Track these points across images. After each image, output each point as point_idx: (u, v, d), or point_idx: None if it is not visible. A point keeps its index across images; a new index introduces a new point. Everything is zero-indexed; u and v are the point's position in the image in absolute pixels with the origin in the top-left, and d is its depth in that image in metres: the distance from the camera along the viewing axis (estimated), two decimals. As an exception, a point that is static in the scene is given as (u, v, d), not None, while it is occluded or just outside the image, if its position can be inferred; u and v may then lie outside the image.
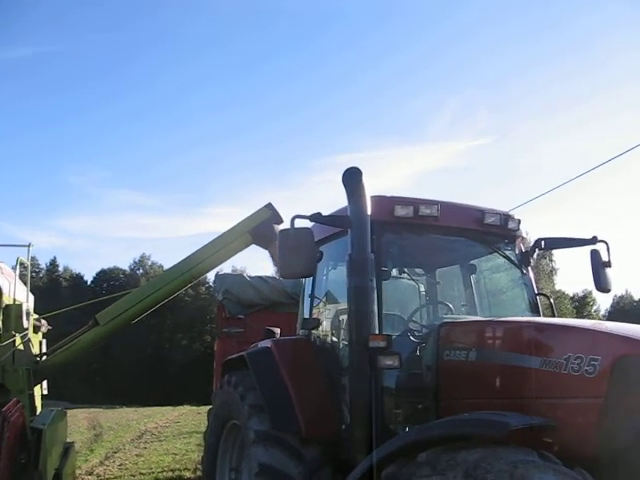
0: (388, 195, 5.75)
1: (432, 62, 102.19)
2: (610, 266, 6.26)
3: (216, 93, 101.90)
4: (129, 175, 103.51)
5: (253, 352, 6.56)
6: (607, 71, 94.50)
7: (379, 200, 5.54)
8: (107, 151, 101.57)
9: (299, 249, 5.02)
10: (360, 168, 5.14)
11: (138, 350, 54.65)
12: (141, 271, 67.44)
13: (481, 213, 6.01)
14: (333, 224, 5.58)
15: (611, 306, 69.62)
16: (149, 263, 69.02)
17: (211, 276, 37.74)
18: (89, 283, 65.66)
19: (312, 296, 6.58)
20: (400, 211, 5.61)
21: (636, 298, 69.72)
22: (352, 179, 5.14)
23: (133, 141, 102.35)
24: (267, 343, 6.57)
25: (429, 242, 6.14)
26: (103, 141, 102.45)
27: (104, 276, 65.55)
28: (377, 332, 5.12)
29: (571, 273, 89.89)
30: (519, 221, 6.23)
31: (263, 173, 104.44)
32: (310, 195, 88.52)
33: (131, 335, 46.88)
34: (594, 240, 6.22)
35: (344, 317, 5.87)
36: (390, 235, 5.76)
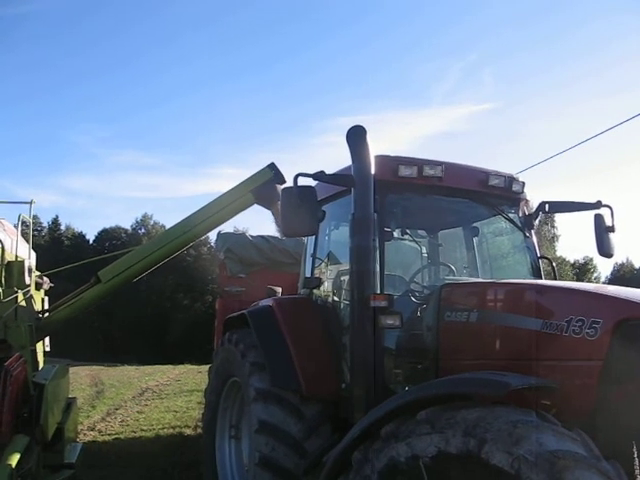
0: (392, 155, 5.70)
1: (438, 27, 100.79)
2: (614, 231, 6.23)
3: (219, 60, 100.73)
4: (132, 135, 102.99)
5: (254, 310, 6.59)
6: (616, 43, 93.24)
7: (383, 159, 5.49)
8: (109, 110, 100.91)
9: (302, 207, 5.00)
10: (364, 126, 5.09)
11: (139, 310, 54.94)
12: (143, 230, 67.36)
13: (485, 175, 5.96)
14: (336, 183, 5.54)
15: (611, 273, 69.71)
16: (151, 223, 68.90)
17: (213, 236, 37.65)
18: (91, 242, 65.69)
19: (314, 256, 6.58)
20: (404, 171, 5.56)
21: (637, 266, 69.76)
22: (356, 137, 5.09)
23: (135, 100, 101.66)
24: (268, 302, 6.59)
25: (432, 203, 6.11)
26: (105, 100, 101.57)
27: (106, 235, 65.57)
28: (379, 292, 5.14)
29: (572, 240, 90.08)
30: (523, 184, 6.19)
31: (265, 135, 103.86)
32: (311, 158, 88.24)
33: (132, 295, 47.22)
34: (598, 204, 6.18)
35: (346, 277, 5.88)
36: (393, 195, 5.72)
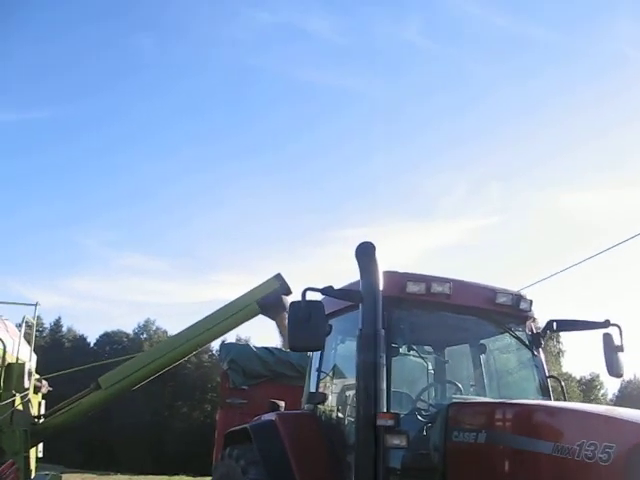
0: (400, 271, 5.73)
1: (445, 142, 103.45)
2: (623, 350, 6.18)
3: (225, 168, 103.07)
4: (137, 238, 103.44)
5: (257, 425, 6.46)
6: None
7: (391, 276, 5.54)
8: (115, 214, 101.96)
9: (309, 322, 4.99)
10: (374, 243, 5.16)
11: (137, 416, 53.80)
12: (145, 336, 66.89)
13: (493, 292, 5.98)
14: (344, 298, 5.56)
15: (619, 391, 68.54)
16: (153, 328, 68.49)
17: (215, 344, 37.48)
18: (92, 345, 65.21)
19: (319, 370, 6.51)
20: (412, 287, 5.60)
21: (644, 383, 68.67)
22: (365, 254, 5.16)
23: (142, 205, 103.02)
24: (271, 416, 6.48)
25: (440, 320, 6.10)
26: (111, 203, 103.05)
27: (107, 339, 65.03)
28: (385, 410, 5.04)
29: (578, 355, 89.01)
30: (531, 302, 6.20)
31: (270, 245, 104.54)
32: (317, 268, 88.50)
33: (130, 400, 46.22)
34: (606, 323, 6.16)
35: (351, 393, 5.80)
36: (401, 311, 5.72)
